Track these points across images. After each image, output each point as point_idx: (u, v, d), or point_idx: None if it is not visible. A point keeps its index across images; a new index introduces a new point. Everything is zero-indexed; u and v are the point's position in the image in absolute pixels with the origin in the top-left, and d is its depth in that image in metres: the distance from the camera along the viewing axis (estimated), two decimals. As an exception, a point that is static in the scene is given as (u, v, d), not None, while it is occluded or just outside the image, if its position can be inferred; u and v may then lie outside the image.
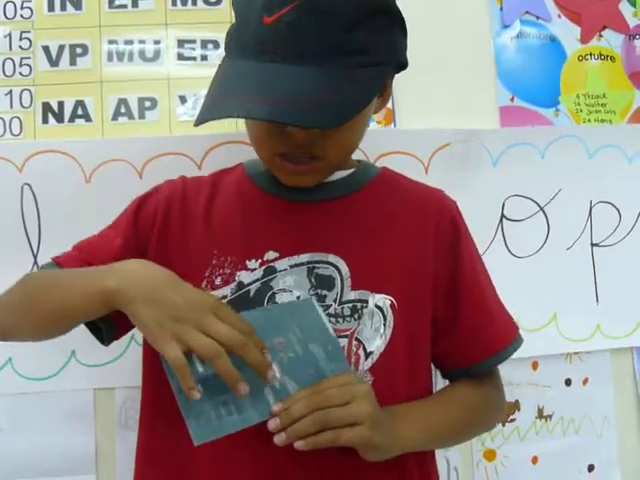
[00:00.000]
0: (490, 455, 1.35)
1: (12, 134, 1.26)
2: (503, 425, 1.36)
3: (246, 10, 0.85)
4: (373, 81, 0.86)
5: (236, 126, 1.27)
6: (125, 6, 1.30)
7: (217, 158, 1.23)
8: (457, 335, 0.98)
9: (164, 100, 1.29)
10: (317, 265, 0.92)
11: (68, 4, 1.29)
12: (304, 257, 0.92)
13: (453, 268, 0.98)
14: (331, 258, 0.92)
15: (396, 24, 0.89)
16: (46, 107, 1.27)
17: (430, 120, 1.33)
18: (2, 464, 1.23)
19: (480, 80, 1.39)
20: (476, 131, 1.34)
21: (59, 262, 0.97)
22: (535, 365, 1.37)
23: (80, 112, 1.28)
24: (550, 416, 1.38)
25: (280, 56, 0.81)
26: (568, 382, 1.39)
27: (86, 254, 0.96)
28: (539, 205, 1.38)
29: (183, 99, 1.29)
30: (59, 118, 1.27)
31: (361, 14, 0.82)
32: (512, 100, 1.40)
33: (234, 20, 0.89)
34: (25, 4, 1.28)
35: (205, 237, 0.96)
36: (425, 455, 0.97)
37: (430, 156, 1.31)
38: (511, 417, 1.36)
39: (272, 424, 0.80)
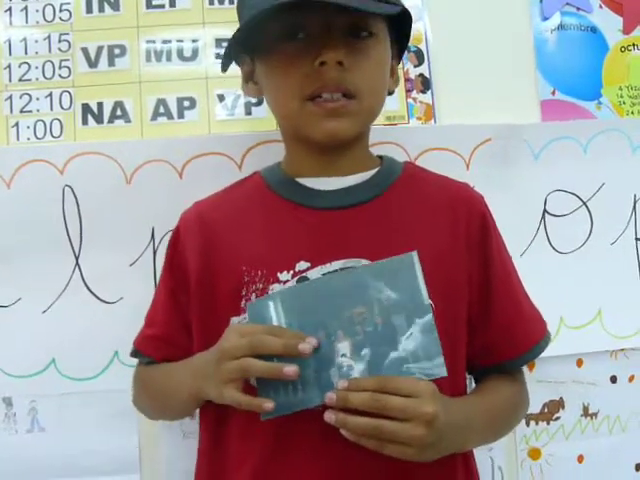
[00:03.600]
0: (535, 454, 1.33)
1: (52, 136, 1.27)
2: (548, 423, 1.34)
3: None
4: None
5: (275, 124, 1.26)
6: (162, 6, 1.30)
7: (257, 157, 1.22)
8: (489, 332, 0.98)
9: (203, 99, 1.29)
10: None
11: (106, 5, 1.29)
12: (336, 264, 0.91)
13: (485, 264, 0.97)
14: (364, 263, 0.91)
15: None
16: (86, 108, 1.28)
17: (470, 115, 1.31)
18: (47, 464, 1.24)
19: (520, 73, 1.37)
20: (517, 126, 1.32)
21: (144, 352, 1.05)
22: (580, 362, 1.35)
23: (119, 113, 1.28)
24: (596, 414, 1.35)
25: None
26: (614, 379, 1.36)
27: (151, 326, 1.05)
28: (582, 200, 1.35)
29: (221, 98, 1.29)
30: (98, 119, 1.28)
31: None
32: (553, 93, 1.38)
33: None
34: (64, 6, 1.29)
35: (232, 257, 0.95)
36: (469, 454, 0.97)
37: (471, 152, 1.29)
38: (556, 415, 1.34)
39: (328, 398, 0.79)
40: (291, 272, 0.91)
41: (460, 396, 0.95)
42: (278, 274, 0.91)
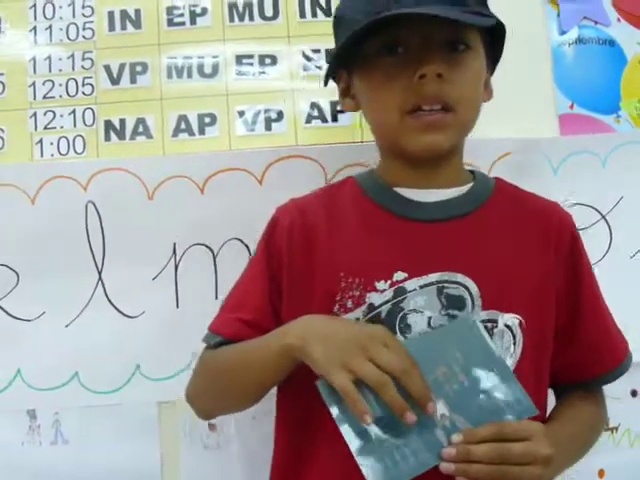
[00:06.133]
0: (555, 468, 1.32)
1: (76, 152, 1.29)
2: (568, 438, 1.33)
3: None
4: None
5: (295, 139, 1.27)
6: (183, 23, 1.32)
7: (278, 173, 1.24)
8: (575, 350, 0.98)
9: (223, 116, 1.30)
10: (446, 285, 0.91)
11: (128, 23, 1.31)
12: (433, 277, 0.91)
13: (573, 282, 0.98)
14: (460, 278, 0.91)
15: None
16: (108, 125, 1.30)
17: (489, 130, 1.29)
18: (70, 476, 1.25)
19: (538, 88, 1.38)
20: (536, 140, 1.32)
21: (221, 332, 0.99)
22: (600, 376, 1.34)
23: (141, 129, 1.30)
24: (616, 428, 1.34)
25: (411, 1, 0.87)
26: (634, 393, 1.36)
27: (237, 311, 0.99)
28: (601, 213, 1.35)
29: (242, 114, 1.30)
30: (121, 135, 1.29)
31: None
32: (571, 107, 1.38)
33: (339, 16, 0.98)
34: (87, 25, 1.31)
35: (330, 260, 0.95)
36: None
37: (490, 166, 1.30)
38: (576, 429, 1.33)
39: (446, 454, 0.79)
40: (389, 282, 0.91)
41: (540, 410, 0.94)
42: (376, 283, 0.91)
